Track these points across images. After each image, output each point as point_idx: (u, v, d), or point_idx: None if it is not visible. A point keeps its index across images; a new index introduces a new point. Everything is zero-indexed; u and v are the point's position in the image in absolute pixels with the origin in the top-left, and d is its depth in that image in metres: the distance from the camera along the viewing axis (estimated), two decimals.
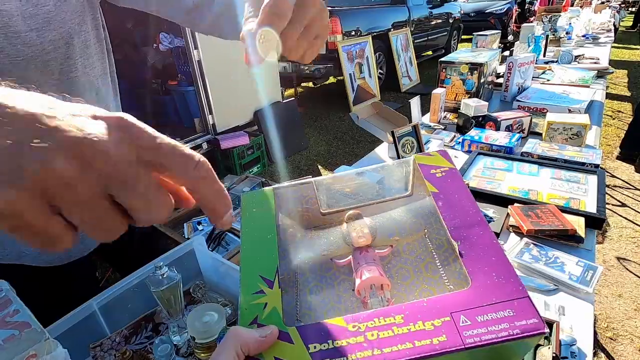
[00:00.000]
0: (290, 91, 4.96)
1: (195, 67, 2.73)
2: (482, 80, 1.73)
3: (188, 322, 0.60)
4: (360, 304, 0.37)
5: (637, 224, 2.33)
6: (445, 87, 1.79)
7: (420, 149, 1.15)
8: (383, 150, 1.48)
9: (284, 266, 0.39)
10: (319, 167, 3.36)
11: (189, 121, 3.11)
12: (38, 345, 0.43)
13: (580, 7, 5.46)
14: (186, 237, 0.86)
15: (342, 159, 3.49)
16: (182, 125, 3.20)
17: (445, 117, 1.76)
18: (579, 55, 2.60)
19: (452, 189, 0.41)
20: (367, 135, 3.90)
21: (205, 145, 2.93)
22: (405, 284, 0.39)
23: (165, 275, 0.60)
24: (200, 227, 0.89)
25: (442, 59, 1.82)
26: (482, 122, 1.53)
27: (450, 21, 6.91)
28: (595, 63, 2.44)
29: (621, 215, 2.42)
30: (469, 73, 1.74)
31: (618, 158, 3.10)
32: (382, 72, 5.41)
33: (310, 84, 5.63)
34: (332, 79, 5.73)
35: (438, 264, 0.39)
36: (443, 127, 1.65)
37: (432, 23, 6.43)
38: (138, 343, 0.65)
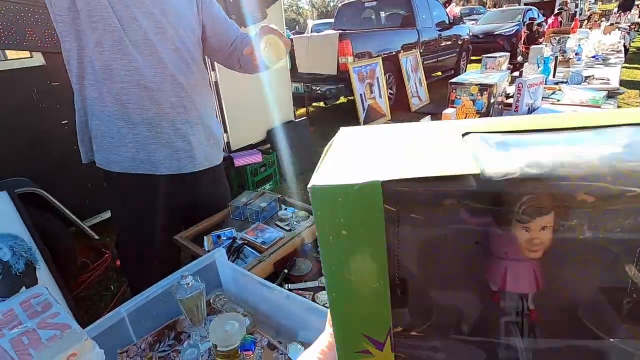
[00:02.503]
0: (302, 110, 5.07)
1: (212, 87, 2.84)
2: (492, 101, 1.76)
3: (211, 330, 0.62)
4: None
5: None
6: (455, 107, 1.83)
7: None
8: None
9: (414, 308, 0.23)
10: None
11: None
12: (78, 345, 0.46)
13: (589, 28, 5.52)
14: (206, 249, 0.89)
15: None
16: None
17: None
18: (589, 76, 2.62)
19: None
20: None
21: None
22: None
23: (190, 285, 0.63)
24: (220, 240, 0.93)
25: (452, 80, 1.86)
26: None
27: (459, 43, 7.03)
28: (605, 83, 2.46)
29: None
30: (479, 94, 1.78)
31: None
32: (392, 92, 5.50)
33: (322, 104, 5.75)
34: (342, 99, 5.84)
35: None
36: None
37: (442, 45, 6.55)
38: (161, 350, 0.67)
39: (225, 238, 0.94)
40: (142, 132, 0.96)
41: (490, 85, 1.73)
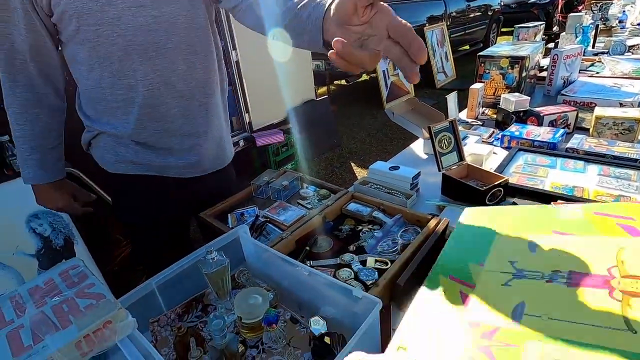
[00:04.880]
0: (323, 89, 5.00)
1: (233, 67, 2.84)
2: (523, 75, 1.67)
3: (235, 303, 0.65)
4: None
5: None
6: (483, 82, 1.74)
7: (457, 145, 1.14)
8: (418, 147, 1.47)
9: None
10: (352, 164, 3.38)
11: None
12: (113, 313, 0.49)
13: None
14: (230, 227, 0.91)
15: (375, 156, 3.48)
16: None
17: (483, 112, 1.72)
18: (633, 46, 2.42)
19: None
20: (400, 133, 3.86)
21: (242, 143, 3.04)
22: None
23: (215, 259, 0.65)
24: (243, 218, 0.94)
25: (481, 53, 1.77)
26: (523, 117, 1.49)
27: (489, 13, 6.65)
28: None
29: None
30: (510, 67, 1.69)
31: None
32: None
33: (343, 82, 5.65)
34: (364, 77, 5.71)
35: None
36: (481, 123, 1.61)
37: (470, 16, 6.21)
38: (189, 321, 0.71)
39: (248, 216, 0.96)
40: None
41: (523, 58, 1.64)
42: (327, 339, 0.60)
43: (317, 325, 0.64)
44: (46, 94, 0.88)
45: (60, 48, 0.85)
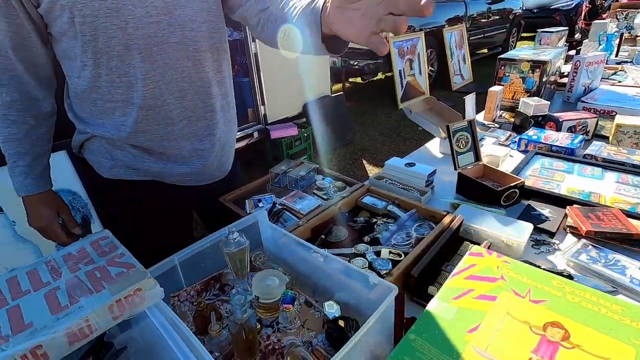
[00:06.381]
0: (338, 86, 5.00)
1: (252, 59, 2.86)
2: (544, 79, 1.66)
3: (253, 283, 0.67)
4: None
5: None
6: (502, 85, 1.74)
7: (474, 145, 1.14)
8: (434, 146, 1.48)
9: None
10: (364, 161, 3.39)
11: (242, 111, 3.27)
12: (142, 281, 0.51)
13: None
14: (248, 212, 0.94)
15: (387, 155, 3.48)
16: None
17: (500, 115, 1.71)
18: None
19: None
20: (414, 133, 3.85)
21: (256, 135, 3.07)
22: None
23: (236, 240, 0.68)
24: (260, 204, 0.97)
25: (502, 55, 1.76)
26: (541, 122, 1.48)
27: (511, 17, 6.55)
28: None
29: None
30: (530, 71, 1.68)
31: None
32: (433, 69, 5.28)
33: (359, 80, 5.64)
34: (380, 75, 5.69)
35: None
36: (498, 126, 1.61)
37: (491, 19, 6.14)
38: (208, 298, 0.73)
39: (265, 203, 0.98)
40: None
41: (544, 62, 1.63)
42: (341, 323, 0.62)
43: (332, 309, 0.66)
44: (35, 95, 0.78)
45: (49, 44, 0.75)
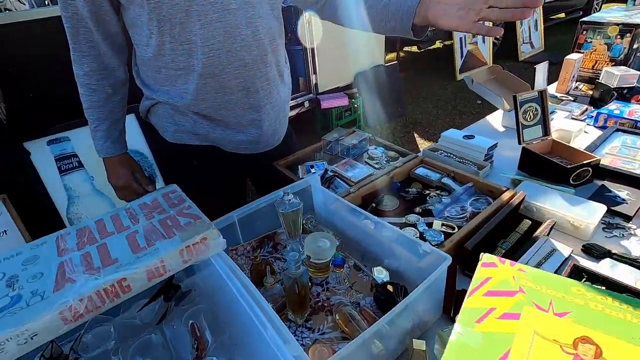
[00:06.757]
0: (392, 55, 4.78)
1: (305, 27, 2.82)
2: (635, 46, 1.45)
3: (306, 243, 0.70)
4: None
5: None
6: (582, 53, 1.55)
7: (544, 118, 1.05)
8: (496, 119, 1.38)
9: None
10: (415, 135, 3.27)
11: (293, 80, 3.27)
12: (208, 231, 0.56)
13: None
14: (300, 177, 0.96)
15: (441, 129, 3.32)
16: None
17: (576, 87, 1.54)
18: None
19: None
20: (472, 107, 3.61)
21: (306, 104, 3.07)
22: None
23: (290, 201, 0.70)
24: (312, 170, 0.99)
25: (585, 18, 1.56)
26: (626, 95, 1.31)
27: None
28: None
29: None
30: (619, 36, 1.47)
31: None
32: (498, 37, 4.83)
33: (414, 48, 5.35)
34: (438, 44, 5.34)
35: None
36: (572, 99, 1.46)
37: None
38: (262, 255, 0.78)
39: (317, 169, 1.00)
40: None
41: (637, 26, 1.42)
42: (390, 288, 0.63)
43: (381, 274, 0.67)
44: (111, 64, 0.83)
45: (119, 13, 0.79)
